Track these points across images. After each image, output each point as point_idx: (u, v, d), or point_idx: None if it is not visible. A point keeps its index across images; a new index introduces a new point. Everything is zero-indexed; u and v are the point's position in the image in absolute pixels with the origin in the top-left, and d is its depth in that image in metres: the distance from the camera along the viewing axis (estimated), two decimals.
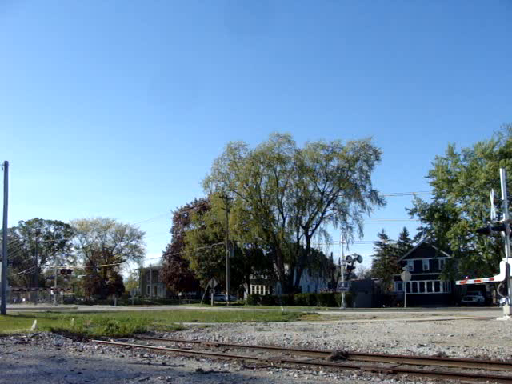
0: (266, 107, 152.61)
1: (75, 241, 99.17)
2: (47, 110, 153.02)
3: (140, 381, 8.05)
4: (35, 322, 18.61)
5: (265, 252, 67.03)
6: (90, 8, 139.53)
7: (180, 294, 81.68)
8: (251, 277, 72.04)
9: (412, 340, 14.35)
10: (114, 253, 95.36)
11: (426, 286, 60.66)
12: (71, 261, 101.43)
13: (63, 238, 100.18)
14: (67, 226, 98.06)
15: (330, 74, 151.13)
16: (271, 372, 9.25)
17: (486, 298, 54.98)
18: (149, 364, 10.13)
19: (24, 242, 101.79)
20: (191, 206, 75.73)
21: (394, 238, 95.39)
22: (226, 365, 10.16)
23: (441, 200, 49.43)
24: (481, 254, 46.64)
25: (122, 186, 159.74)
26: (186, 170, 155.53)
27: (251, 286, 74.90)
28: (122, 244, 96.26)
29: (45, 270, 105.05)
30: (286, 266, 62.39)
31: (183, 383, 7.91)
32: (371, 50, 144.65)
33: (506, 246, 24.96)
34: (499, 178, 29.12)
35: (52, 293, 74.26)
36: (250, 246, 66.39)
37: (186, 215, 76.07)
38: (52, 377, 8.41)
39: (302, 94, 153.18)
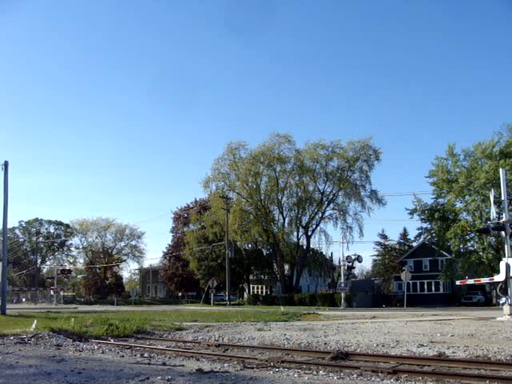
0: (266, 107, 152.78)
1: (75, 241, 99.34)
2: (47, 110, 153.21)
3: (140, 381, 8.05)
4: (35, 322, 18.61)
5: (265, 252, 67.02)
6: (89, 8, 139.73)
7: (180, 294, 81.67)
8: (251, 277, 72.04)
9: (412, 340, 14.35)
10: (114, 253, 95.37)
11: (426, 286, 60.66)
12: (71, 261, 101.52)
13: (63, 238, 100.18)
14: (67, 225, 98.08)
15: (330, 73, 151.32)
16: (271, 372, 9.25)
17: (486, 298, 54.96)
18: (149, 364, 10.13)
19: (24, 242, 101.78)
20: (191, 206, 75.74)
21: (394, 238, 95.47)
22: (226, 365, 10.16)
23: (441, 200, 49.47)
24: (481, 253, 46.66)
25: (122, 185, 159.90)
26: (185, 170, 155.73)
27: (251, 286, 74.89)
28: (122, 244, 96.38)
29: (45, 270, 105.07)
30: (286, 266, 62.40)
31: (183, 383, 7.91)
32: (371, 50, 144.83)
33: (506, 246, 24.96)
34: (499, 178, 29.12)
35: (52, 293, 74.27)
36: (250, 245, 66.40)
37: (186, 215, 76.07)
38: (52, 377, 8.41)
39: (302, 94, 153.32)
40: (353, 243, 59.52)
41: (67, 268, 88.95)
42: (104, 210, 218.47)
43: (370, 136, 57.23)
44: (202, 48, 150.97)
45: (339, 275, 56.74)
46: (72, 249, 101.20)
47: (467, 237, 47.09)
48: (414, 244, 69.16)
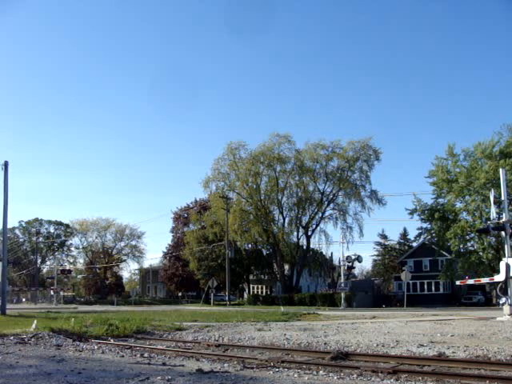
0: (266, 107, 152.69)
1: (75, 241, 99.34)
2: (47, 110, 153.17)
3: (140, 381, 8.05)
4: (35, 322, 18.61)
5: (265, 252, 67.03)
6: (90, 8, 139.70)
7: (180, 294, 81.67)
8: (251, 277, 72.05)
9: (412, 340, 14.36)
10: (114, 253, 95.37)
11: (426, 286, 60.65)
12: (71, 261, 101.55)
13: (63, 238, 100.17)
14: (67, 225, 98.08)
15: (330, 73, 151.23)
16: (271, 372, 9.25)
17: (486, 298, 54.96)
18: (149, 364, 10.13)
19: (24, 242, 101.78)
20: (191, 206, 75.74)
21: (394, 238, 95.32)
22: (226, 365, 10.16)
23: (441, 200, 49.48)
24: (481, 254, 46.67)
25: (122, 185, 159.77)
26: (185, 170, 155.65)
27: (251, 285, 74.90)
28: (122, 244, 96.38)
29: (45, 270, 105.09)
30: (286, 266, 62.41)
31: (183, 383, 7.91)
32: (371, 50, 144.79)
33: (506, 246, 24.96)
34: (499, 178, 29.12)
35: (52, 293, 74.28)
36: (250, 246, 66.41)
37: (186, 215, 76.07)
38: (52, 377, 8.41)
39: (302, 94, 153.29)
40: (353, 243, 59.66)
41: (67, 268, 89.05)
42: (104, 210, 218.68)
43: (370, 136, 57.36)
44: (202, 48, 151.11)
45: (339, 275, 56.75)
46: (72, 249, 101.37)
47: (467, 237, 47.10)
48: (414, 244, 69.17)
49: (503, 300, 24.05)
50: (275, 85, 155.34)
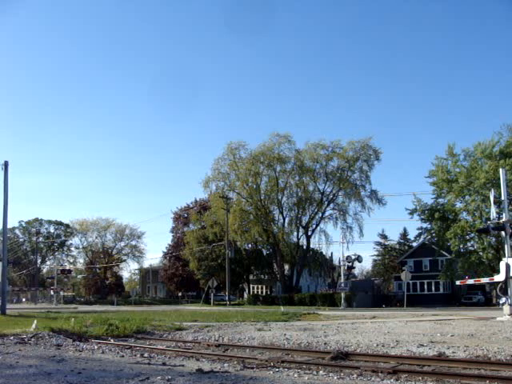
0: (266, 107, 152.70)
1: (75, 241, 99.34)
2: (47, 110, 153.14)
3: (140, 381, 8.05)
4: (35, 321, 18.61)
5: (265, 252, 67.02)
6: (90, 8, 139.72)
7: (180, 294, 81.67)
8: (251, 277, 72.04)
9: (412, 340, 14.36)
10: (114, 253, 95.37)
11: (426, 286, 60.66)
12: (71, 261, 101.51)
13: (63, 238, 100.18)
14: (67, 225, 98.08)
15: (329, 74, 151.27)
16: (271, 372, 9.25)
17: (486, 298, 54.97)
18: (149, 364, 10.13)
19: (24, 242, 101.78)
20: (191, 206, 75.74)
21: (394, 238, 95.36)
22: (226, 365, 10.17)
23: (441, 200, 49.47)
24: (481, 254, 46.66)
25: (122, 185, 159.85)
26: (185, 170, 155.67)
27: (251, 286, 74.89)
28: (122, 244, 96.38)
29: (45, 270, 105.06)
30: (286, 266, 62.40)
31: (183, 383, 7.91)
32: (371, 50, 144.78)
33: (506, 246, 24.95)
34: (499, 178, 29.11)
35: (52, 293, 74.29)
36: (250, 245, 66.40)
37: (186, 215, 76.07)
38: (52, 377, 8.41)
39: (302, 94, 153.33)
40: (353, 243, 59.64)
41: (67, 268, 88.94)
42: (104, 210, 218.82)
43: (370, 136, 57.33)
44: (202, 48, 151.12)
45: (339, 275, 56.76)
46: (72, 249, 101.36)
47: (467, 237, 47.09)
48: (414, 244, 69.16)
49: (503, 300, 24.04)
50: (275, 85, 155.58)
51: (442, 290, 59.67)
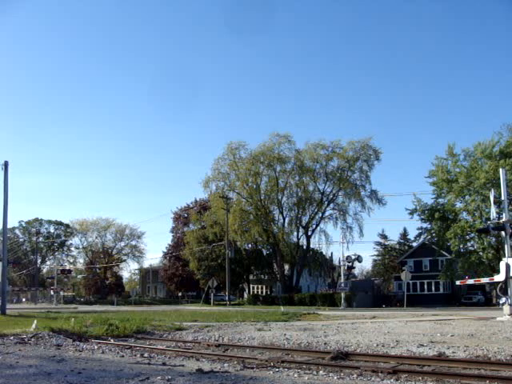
0: (266, 107, 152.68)
1: (75, 241, 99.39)
2: (47, 110, 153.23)
3: (140, 381, 8.05)
4: (35, 321, 18.61)
5: (265, 252, 67.02)
6: (90, 8, 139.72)
7: (180, 294, 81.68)
8: (251, 277, 72.04)
9: (412, 340, 14.36)
10: (114, 253, 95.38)
11: (426, 286, 60.65)
12: (71, 261, 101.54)
13: (63, 238, 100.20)
14: (67, 225, 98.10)
15: (329, 73, 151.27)
16: (271, 372, 9.25)
17: (486, 298, 54.96)
18: (149, 364, 10.13)
19: (24, 242, 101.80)
20: (191, 206, 75.74)
21: (394, 238, 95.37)
22: (226, 365, 10.17)
23: (441, 200, 49.47)
24: (481, 254, 46.66)
25: (122, 185, 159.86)
26: (186, 170, 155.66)
27: (251, 286, 74.89)
28: (122, 244, 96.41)
29: (45, 270, 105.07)
30: (286, 266, 62.39)
31: (183, 383, 7.91)
32: (371, 50, 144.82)
33: (506, 246, 24.95)
34: (499, 178, 29.12)
35: (52, 293, 74.31)
36: (250, 245, 66.41)
37: (186, 215, 76.06)
38: (52, 377, 8.41)
39: (302, 93, 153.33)
40: (353, 243, 59.67)
41: (67, 268, 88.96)
42: (104, 210, 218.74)
43: (370, 136, 57.36)
44: (202, 48, 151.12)
45: (339, 275, 56.75)
46: (72, 249, 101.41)
47: (467, 237, 47.09)
48: (414, 244, 69.16)
49: (503, 300, 24.03)
50: (275, 85, 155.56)
51: (441, 290, 59.67)
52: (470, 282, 32.91)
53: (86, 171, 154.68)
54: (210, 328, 19.49)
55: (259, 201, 58.16)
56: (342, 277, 51.23)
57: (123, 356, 11.55)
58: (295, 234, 59.89)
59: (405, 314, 30.24)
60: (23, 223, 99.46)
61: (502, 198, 26.64)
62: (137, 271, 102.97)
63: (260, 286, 76.01)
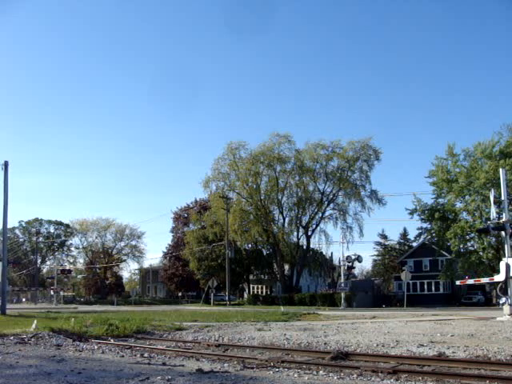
0: (266, 107, 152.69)
1: (75, 241, 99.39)
2: (47, 110, 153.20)
3: (140, 381, 8.05)
4: (35, 321, 18.61)
5: (265, 252, 67.01)
6: (90, 8, 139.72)
7: (180, 294, 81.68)
8: (251, 277, 72.04)
9: (412, 340, 14.36)
10: (114, 253, 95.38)
11: (426, 286, 60.65)
12: (71, 261, 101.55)
13: (63, 238, 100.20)
14: (67, 225, 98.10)
15: (329, 73, 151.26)
16: (271, 372, 9.25)
17: (486, 298, 54.95)
18: (149, 364, 10.13)
19: (24, 241, 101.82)
20: (191, 206, 75.75)
21: (394, 238, 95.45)
22: (226, 365, 10.17)
23: (441, 200, 49.47)
24: (481, 253, 46.65)
25: (122, 185, 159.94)
26: (185, 170, 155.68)
27: (251, 286, 74.89)
28: (122, 244, 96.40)
29: (45, 270, 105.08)
30: (286, 266, 62.39)
31: (183, 383, 7.91)
32: (371, 50, 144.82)
33: (506, 246, 24.95)
34: (499, 178, 29.12)
35: (52, 293, 74.30)
36: (250, 245, 66.40)
37: (186, 215, 76.07)
38: (52, 377, 8.41)
39: (302, 93, 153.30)
40: (353, 243, 59.61)
41: (67, 268, 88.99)
42: (104, 210, 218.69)
43: (370, 136, 57.35)
44: (202, 48, 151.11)
45: (339, 275, 56.74)
46: (72, 249, 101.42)
47: (467, 237, 47.08)
48: (414, 244, 69.15)
49: (503, 300, 24.03)
50: (275, 85, 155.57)
51: (441, 290, 59.66)
52: (470, 281, 32.91)
53: (86, 171, 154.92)
54: (209, 328, 19.49)
55: (259, 201, 58.17)
56: (342, 277, 51.23)
57: (123, 356, 11.55)
58: (295, 233, 60.01)
59: (405, 314, 30.24)
60: (23, 223, 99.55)
61: (502, 198, 26.64)
62: (137, 271, 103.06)
63: (260, 286, 76.01)
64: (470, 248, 48.60)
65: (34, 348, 13.05)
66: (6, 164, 32.55)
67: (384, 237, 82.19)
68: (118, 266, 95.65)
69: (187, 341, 15.81)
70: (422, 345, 13.22)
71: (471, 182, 44.66)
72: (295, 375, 8.79)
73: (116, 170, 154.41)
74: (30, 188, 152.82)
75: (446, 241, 48.12)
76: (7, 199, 32.22)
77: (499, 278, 24.59)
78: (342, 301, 48.34)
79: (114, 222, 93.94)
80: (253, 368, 9.80)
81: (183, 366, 9.84)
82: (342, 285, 49.94)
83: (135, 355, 11.75)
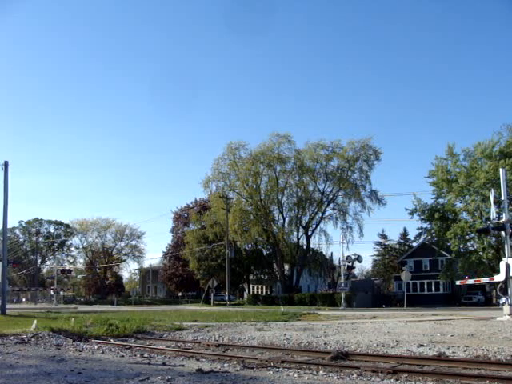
0: (266, 107, 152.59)
1: (75, 241, 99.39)
2: (47, 110, 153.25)
3: (140, 381, 8.05)
4: (35, 321, 18.61)
5: (265, 252, 66.96)
6: (90, 8, 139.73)
7: (180, 294, 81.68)
8: (251, 277, 72.04)
9: (412, 340, 14.36)
10: (114, 253, 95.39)
11: (426, 286, 60.64)
12: (71, 261, 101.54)
13: (63, 238, 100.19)
14: (67, 225, 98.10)
15: (330, 74, 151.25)
16: (271, 372, 9.25)
17: (485, 298, 54.95)
18: (149, 364, 10.13)
19: (24, 242, 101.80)
20: (191, 205, 75.75)
21: (394, 238, 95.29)
22: (226, 365, 10.17)
23: (441, 200, 49.47)
24: (481, 253, 46.65)
25: (122, 185, 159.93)
26: (186, 170, 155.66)
27: (251, 286, 74.89)
28: (122, 244, 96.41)
29: (45, 270, 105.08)
30: (286, 266, 62.39)
31: (183, 383, 7.91)
32: (371, 50, 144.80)
33: (506, 246, 24.95)
34: (499, 178, 29.11)
35: (52, 293, 74.32)
36: (250, 246, 66.39)
37: (186, 215, 76.08)
38: (52, 377, 8.41)
39: (302, 93, 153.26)
40: (353, 243, 59.61)
41: (67, 268, 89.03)
42: (104, 210, 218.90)
43: (370, 136, 57.35)
44: (202, 48, 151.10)
45: (339, 275, 56.74)
46: (72, 249, 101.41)
47: (467, 237, 47.08)
48: (414, 244, 69.12)
49: (503, 300, 24.02)
50: (275, 85, 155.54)
51: (442, 290, 59.66)
52: (470, 282, 32.91)
53: (86, 171, 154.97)
54: (210, 328, 19.48)
55: (259, 201, 58.17)
56: (342, 277, 51.23)
57: (123, 356, 11.56)
58: (295, 233, 60.00)
59: (405, 314, 30.24)
60: (23, 223, 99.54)
61: (502, 198, 26.63)
62: (137, 271, 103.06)
63: (260, 286, 76.00)
64: (470, 248, 48.61)
65: (34, 348, 13.05)
66: (6, 164, 32.56)
67: (384, 237, 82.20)
68: (118, 265, 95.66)
69: (187, 341, 15.81)
70: (422, 345, 13.22)
71: (471, 182, 44.66)
72: (295, 375, 8.79)
73: (116, 169, 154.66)
74: (30, 188, 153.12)
75: (446, 241, 48.13)
76: (7, 199, 32.22)
77: (499, 278, 24.59)
78: (342, 301, 48.33)
79: (114, 222, 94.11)
80: (253, 368, 9.80)
81: (183, 365, 9.84)
82: (342, 285, 49.94)
83: (135, 355, 11.75)
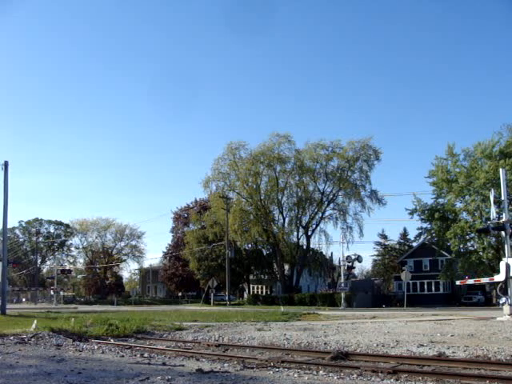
0: (266, 107, 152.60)
1: (75, 241, 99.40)
2: (47, 110, 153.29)
3: (140, 381, 8.05)
4: (35, 321, 18.61)
5: (265, 252, 66.98)
6: (90, 8, 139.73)
7: (180, 294, 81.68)
8: (251, 277, 72.04)
9: (412, 340, 14.36)
10: (114, 253, 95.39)
11: (426, 286, 60.64)
12: (71, 261, 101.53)
13: (63, 238, 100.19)
14: (67, 225, 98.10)
15: (329, 73, 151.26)
16: (271, 372, 9.25)
17: (485, 298, 54.94)
18: (149, 364, 10.13)
19: (24, 242, 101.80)
20: (191, 205, 75.76)
21: (394, 238, 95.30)
22: (226, 365, 10.17)
23: (441, 200, 49.47)
24: (481, 253, 46.65)
25: (122, 185, 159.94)
26: (186, 170, 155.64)
27: (251, 285, 74.89)
28: (122, 244, 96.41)
29: (45, 270, 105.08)
30: (286, 266, 62.39)
31: (183, 383, 7.91)
32: (371, 50, 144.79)
33: (506, 246, 24.95)
34: (499, 178, 29.11)
35: (52, 293, 74.31)
36: (250, 246, 66.38)
37: (186, 215, 76.08)
38: (52, 377, 8.41)
39: (302, 93, 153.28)
40: (353, 243, 59.64)
41: (67, 268, 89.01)
42: (104, 210, 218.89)
43: (370, 136, 57.36)
44: (202, 48, 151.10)
45: (339, 275, 56.74)
46: (72, 249, 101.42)
47: (467, 237, 47.07)
48: (414, 244, 69.12)
49: (503, 300, 24.03)
50: (275, 85, 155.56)
51: (442, 290, 59.65)
52: (470, 282, 32.91)
53: (86, 171, 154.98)
54: (210, 328, 19.49)
55: (259, 201, 58.17)
56: (342, 277, 51.23)
57: (123, 356, 11.56)
58: (295, 233, 60.00)
59: (405, 314, 30.24)
60: (23, 223, 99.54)
61: (502, 198, 26.63)
62: (137, 271, 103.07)
63: (260, 286, 76.00)
64: (470, 248, 48.60)
65: (34, 348, 13.05)
66: (6, 164, 32.56)
67: (384, 237, 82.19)
68: (118, 265, 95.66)
69: (187, 341, 15.81)
70: (422, 345, 13.22)
71: (471, 182, 44.67)
72: (295, 375, 8.79)
73: (116, 169, 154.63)
74: (30, 188, 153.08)
75: (446, 241, 48.13)
76: (7, 199, 32.23)
77: (499, 278, 24.59)
78: (342, 301, 48.33)
79: (114, 222, 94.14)
80: (253, 368, 9.80)
81: (183, 365, 9.84)
82: (342, 285, 49.94)
83: (135, 355, 11.75)
